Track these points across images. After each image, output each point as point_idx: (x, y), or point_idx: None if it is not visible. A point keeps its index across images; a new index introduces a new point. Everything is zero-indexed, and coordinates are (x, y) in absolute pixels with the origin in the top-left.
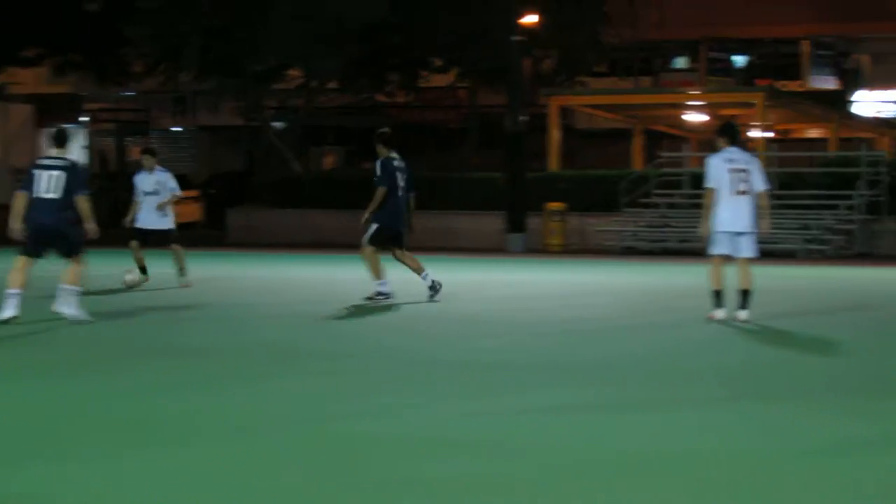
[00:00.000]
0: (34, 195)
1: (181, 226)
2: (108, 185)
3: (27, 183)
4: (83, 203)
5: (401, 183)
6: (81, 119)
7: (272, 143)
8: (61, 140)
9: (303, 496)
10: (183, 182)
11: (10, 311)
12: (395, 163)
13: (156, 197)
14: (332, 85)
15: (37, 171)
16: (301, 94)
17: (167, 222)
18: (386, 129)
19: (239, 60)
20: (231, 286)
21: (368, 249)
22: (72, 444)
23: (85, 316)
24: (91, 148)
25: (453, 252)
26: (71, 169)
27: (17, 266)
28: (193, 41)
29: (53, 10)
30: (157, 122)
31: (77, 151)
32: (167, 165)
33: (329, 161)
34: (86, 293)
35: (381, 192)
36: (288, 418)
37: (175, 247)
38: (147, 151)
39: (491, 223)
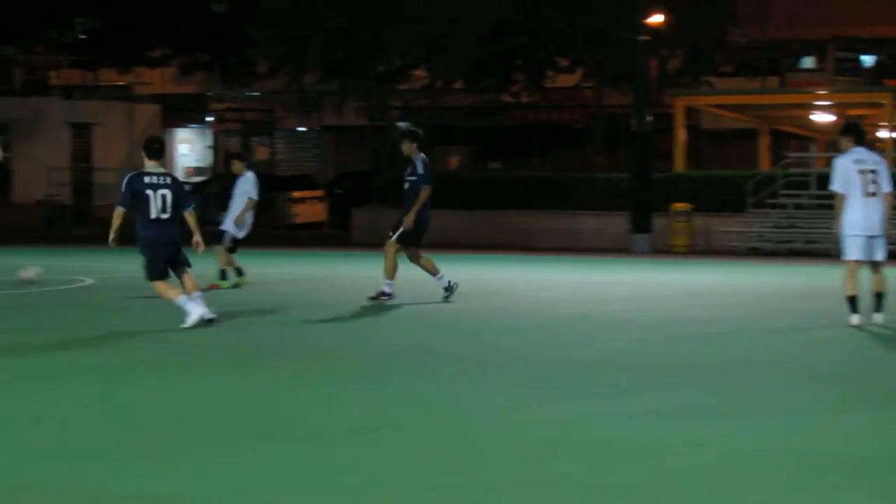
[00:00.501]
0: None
1: (307, 226)
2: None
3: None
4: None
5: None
6: (207, 119)
7: (398, 144)
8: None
9: (421, 494)
10: (308, 182)
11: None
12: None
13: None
14: (457, 85)
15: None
16: (426, 95)
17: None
18: (418, 129)
19: (364, 61)
20: (352, 286)
21: (395, 247)
22: (195, 443)
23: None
24: (217, 148)
25: (577, 252)
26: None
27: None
28: (317, 42)
29: (180, 10)
30: (282, 121)
31: (202, 151)
32: (292, 165)
33: (455, 161)
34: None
35: (427, 191)
36: (414, 418)
37: (220, 248)
38: (237, 157)
39: (616, 223)
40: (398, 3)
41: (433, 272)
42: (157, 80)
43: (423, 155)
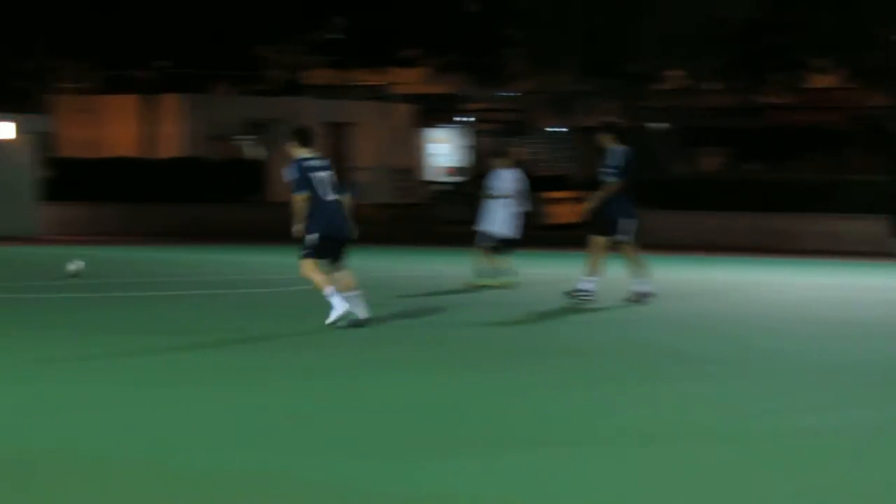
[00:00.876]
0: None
1: (561, 227)
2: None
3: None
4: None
5: None
6: (461, 119)
7: (651, 145)
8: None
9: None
10: (562, 182)
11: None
12: None
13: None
14: (712, 86)
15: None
16: (682, 95)
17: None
18: (617, 121)
19: (618, 61)
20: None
21: (601, 242)
22: (461, 441)
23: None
24: (472, 148)
25: (834, 255)
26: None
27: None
28: (571, 42)
29: (434, 10)
30: (536, 122)
31: (460, 150)
32: (546, 166)
33: (711, 162)
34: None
35: (616, 184)
36: (689, 424)
37: (481, 249)
38: (498, 154)
39: (875, 227)
40: (653, 1)
41: (593, 273)
42: (412, 80)
43: (621, 148)
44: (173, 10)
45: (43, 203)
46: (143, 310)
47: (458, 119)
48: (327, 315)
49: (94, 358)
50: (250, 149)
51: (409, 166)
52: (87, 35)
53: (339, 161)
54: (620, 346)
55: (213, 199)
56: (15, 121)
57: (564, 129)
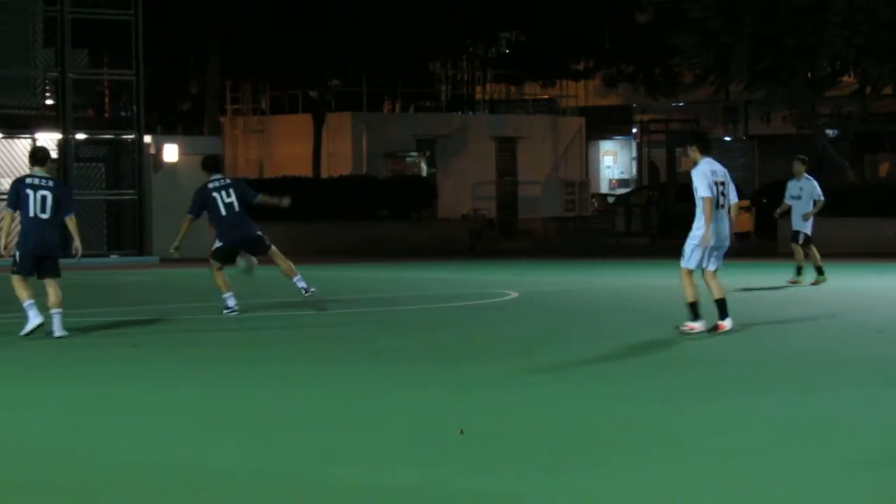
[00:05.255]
0: None
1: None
2: (658, 195)
3: None
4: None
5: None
6: (632, 130)
7: (826, 152)
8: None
9: None
10: (737, 193)
11: None
12: None
13: (799, 202)
14: (887, 91)
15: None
16: (855, 101)
17: (808, 226)
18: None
19: (790, 68)
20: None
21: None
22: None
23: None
24: (642, 159)
25: None
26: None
27: None
28: (741, 49)
29: (604, 22)
30: (708, 131)
31: (627, 163)
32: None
33: (885, 168)
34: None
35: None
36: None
37: (799, 248)
38: (798, 159)
39: None
40: (825, 7)
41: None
42: (582, 92)
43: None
44: (343, 29)
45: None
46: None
47: (630, 130)
48: None
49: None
50: (420, 165)
51: (578, 179)
52: (259, 55)
53: (508, 176)
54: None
55: (384, 217)
56: (186, 142)
57: (735, 139)
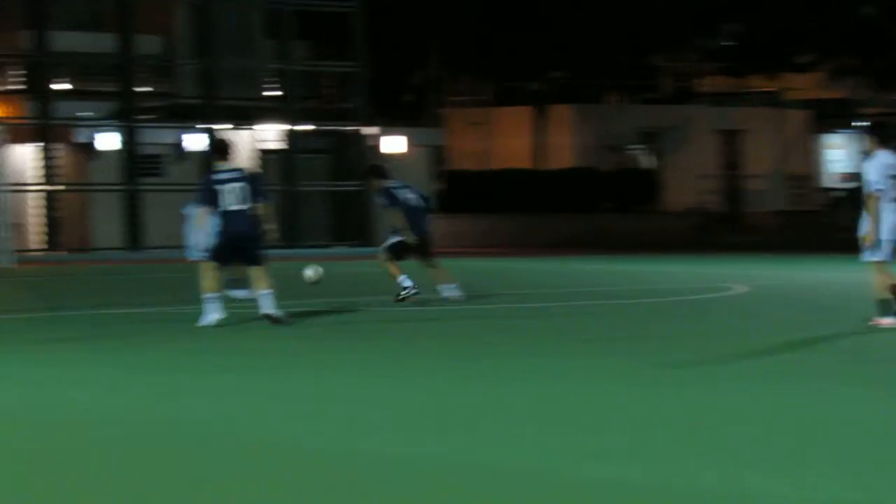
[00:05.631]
0: None
1: None
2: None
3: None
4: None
5: None
6: (857, 124)
7: None
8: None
9: None
10: None
11: None
12: None
13: None
14: None
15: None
16: None
17: None
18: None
19: None
20: None
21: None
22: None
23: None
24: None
25: None
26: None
27: None
28: None
29: (829, 15)
30: None
31: (855, 156)
32: None
33: None
34: None
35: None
36: None
37: None
38: None
39: None
40: None
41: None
42: (806, 85)
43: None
44: (566, 22)
45: (436, 216)
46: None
47: (854, 124)
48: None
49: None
50: (643, 158)
51: (804, 173)
52: (481, 48)
53: (733, 169)
54: None
55: (607, 210)
56: (408, 134)
57: None
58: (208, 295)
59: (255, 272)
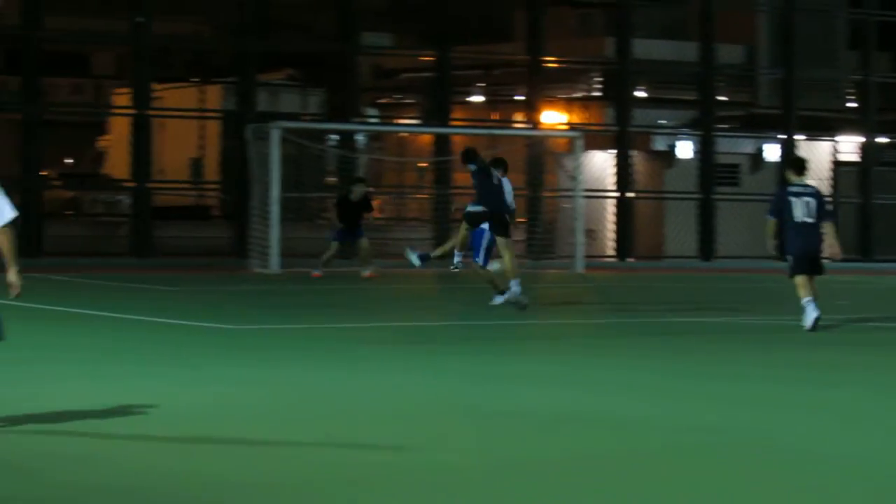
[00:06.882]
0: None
1: None
2: None
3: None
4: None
5: None
6: None
7: None
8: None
9: None
10: None
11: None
12: None
13: None
14: None
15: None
16: None
17: None
18: None
19: None
20: None
21: None
22: None
23: None
24: None
25: None
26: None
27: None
28: None
29: None
30: None
31: None
32: None
33: None
34: None
35: None
36: None
37: None
38: None
39: None
40: None
41: None
42: None
43: None
44: None
45: None
46: None
47: None
48: None
49: None
50: None
51: None
52: None
53: None
54: None
55: None
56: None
57: None
58: (805, 300)
59: (812, 281)
